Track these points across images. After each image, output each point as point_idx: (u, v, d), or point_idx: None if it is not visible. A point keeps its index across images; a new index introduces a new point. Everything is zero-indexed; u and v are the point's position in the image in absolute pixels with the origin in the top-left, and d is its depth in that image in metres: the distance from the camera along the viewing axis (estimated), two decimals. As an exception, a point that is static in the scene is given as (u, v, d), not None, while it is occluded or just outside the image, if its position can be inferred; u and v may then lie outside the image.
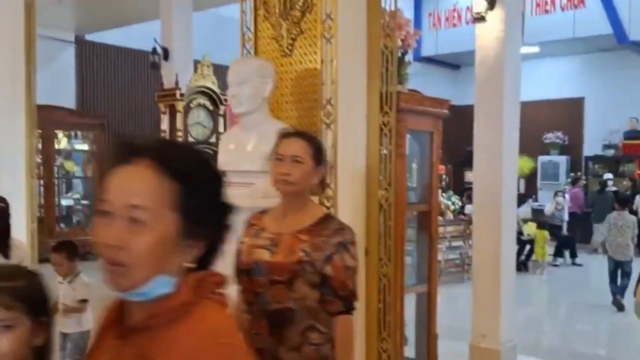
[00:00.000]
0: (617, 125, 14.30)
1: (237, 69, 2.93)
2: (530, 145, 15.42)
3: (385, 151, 3.32)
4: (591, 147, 14.86)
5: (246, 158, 2.89)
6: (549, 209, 10.79)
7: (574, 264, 10.81)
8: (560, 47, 14.55)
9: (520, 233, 9.90)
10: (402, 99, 3.41)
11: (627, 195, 11.95)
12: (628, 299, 7.09)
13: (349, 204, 3.25)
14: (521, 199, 14.04)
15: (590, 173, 14.60)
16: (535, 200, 14.62)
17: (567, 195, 11.94)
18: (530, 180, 15.49)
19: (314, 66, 3.11)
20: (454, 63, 17.02)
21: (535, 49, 14.56)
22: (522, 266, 9.86)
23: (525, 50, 14.70)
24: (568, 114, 15.31)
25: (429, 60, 16.17)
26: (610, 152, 14.47)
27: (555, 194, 11.02)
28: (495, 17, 4.71)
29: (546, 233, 10.02)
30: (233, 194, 3.05)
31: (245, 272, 2.14)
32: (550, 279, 9.88)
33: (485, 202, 4.75)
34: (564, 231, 10.81)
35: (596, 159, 14.67)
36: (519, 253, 9.89)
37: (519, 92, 4.97)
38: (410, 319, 3.78)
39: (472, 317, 4.87)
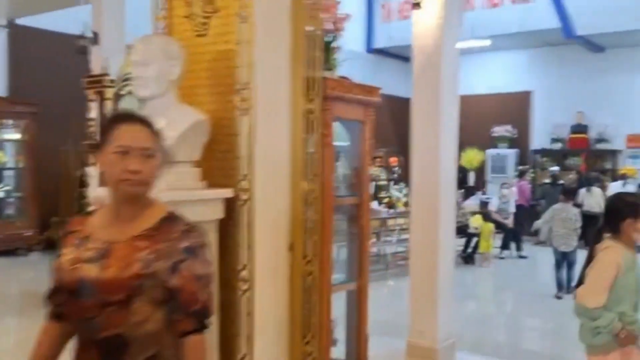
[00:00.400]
0: (564, 119, 14.50)
1: (140, 48, 2.66)
2: (480, 138, 15.52)
3: (310, 140, 3.10)
4: (539, 140, 15.04)
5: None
6: (493, 204, 10.82)
7: (520, 256, 10.87)
8: (510, 40, 14.63)
9: (466, 226, 9.89)
10: (329, 86, 3.20)
11: (573, 187, 12.11)
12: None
13: (271, 197, 3.02)
14: (470, 192, 14.14)
15: (537, 166, 14.77)
16: (484, 193, 14.72)
17: (514, 188, 12.00)
18: (479, 173, 15.58)
19: (230, 47, 2.86)
20: (406, 55, 16.91)
21: (486, 42, 14.62)
22: (469, 259, 9.84)
23: (476, 43, 14.81)
24: (517, 107, 15.44)
25: (382, 52, 16.06)
26: (558, 146, 14.66)
27: (501, 186, 11.03)
28: (434, 4, 4.54)
29: (492, 226, 10.02)
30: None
31: (68, 292, 1.72)
32: (496, 271, 9.91)
33: (422, 195, 4.59)
34: (510, 224, 10.82)
35: (543, 152, 14.85)
36: (466, 246, 9.88)
37: (457, 82, 4.82)
38: (341, 318, 3.58)
39: (409, 313, 4.71)
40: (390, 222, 9.59)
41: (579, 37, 13.30)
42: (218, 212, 2.81)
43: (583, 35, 13.21)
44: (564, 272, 7.81)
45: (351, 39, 15.46)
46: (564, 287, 7.77)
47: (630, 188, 12.18)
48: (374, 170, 13.97)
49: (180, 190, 2.65)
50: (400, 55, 16.61)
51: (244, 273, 2.84)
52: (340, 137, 3.56)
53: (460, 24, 4.84)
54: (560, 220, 7.73)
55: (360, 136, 3.49)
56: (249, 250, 2.83)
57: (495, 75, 15.62)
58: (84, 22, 7.02)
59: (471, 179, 15.72)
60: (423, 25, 4.60)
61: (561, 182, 12.72)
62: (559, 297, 7.73)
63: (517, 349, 6.03)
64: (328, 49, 3.38)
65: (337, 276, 3.52)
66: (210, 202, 2.75)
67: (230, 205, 2.85)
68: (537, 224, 8.58)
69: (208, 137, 2.84)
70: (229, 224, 2.85)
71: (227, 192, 2.81)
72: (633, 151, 13.90)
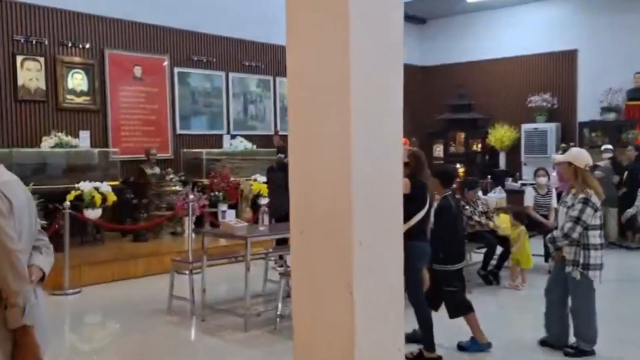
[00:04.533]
0: (619, 82, 11.60)
1: None
2: (513, 110, 12.75)
3: None
4: (587, 110, 12.05)
5: None
6: (529, 197, 7.83)
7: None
8: (546, -13, 11.74)
9: (489, 231, 7.09)
10: None
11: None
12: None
13: None
14: (500, 179, 11.24)
15: (585, 143, 11.78)
16: (519, 178, 11.85)
17: (554, 174, 9.06)
18: (512, 154, 12.67)
19: None
20: (419, 16, 14.10)
21: (515, -9, 11.68)
22: (491, 277, 7.02)
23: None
24: (557, 71, 12.61)
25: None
26: (611, 116, 11.67)
27: (536, 173, 8.05)
28: None
29: (523, 228, 7.03)
30: None
31: None
32: (532, 295, 6.81)
33: (312, 212, 1.91)
34: (552, 223, 7.80)
35: (593, 125, 11.88)
36: (486, 259, 7.07)
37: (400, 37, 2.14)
38: None
39: None
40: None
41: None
42: None
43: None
44: None
45: None
46: None
47: None
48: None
49: None
50: (411, 16, 13.80)
51: None
52: None
53: None
54: None
55: None
56: None
57: (530, 33, 12.71)
58: None
59: (502, 161, 12.83)
60: None
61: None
62: None
63: None
64: None
65: None
66: None
67: None
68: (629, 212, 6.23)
69: None
70: None
71: None
72: None
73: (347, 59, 1.88)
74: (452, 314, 4.73)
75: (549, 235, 4.78)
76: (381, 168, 1.96)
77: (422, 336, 4.54)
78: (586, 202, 4.48)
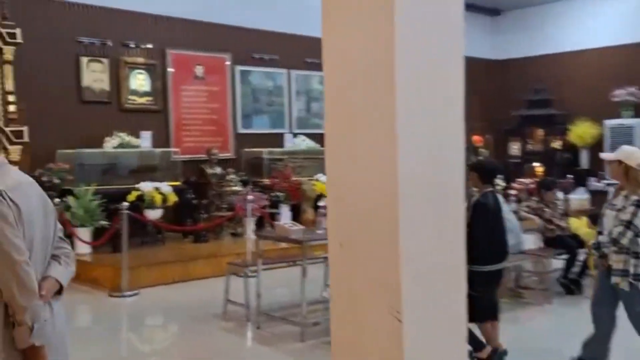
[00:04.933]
0: None
1: None
2: (595, 105, 11.81)
3: None
4: (679, 103, 11.05)
5: None
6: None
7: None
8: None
9: (570, 236, 6.46)
10: None
11: None
12: None
13: None
14: (581, 179, 10.44)
15: (678, 139, 10.78)
16: (603, 177, 10.96)
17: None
18: (594, 151, 11.76)
19: None
20: (492, 7, 13.40)
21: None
22: (574, 286, 6.38)
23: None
24: (644, 62, 11.51)
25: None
26: None
27: None
28: None
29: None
30: None
31: None
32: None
33: (352, 217, 1.55)
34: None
35: (687, 119, 10.86)
36: (568, 266, 6.44)
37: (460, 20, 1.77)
38: None
39: None
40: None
41: None
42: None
43: None
44: None
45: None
46: None
47: None
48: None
49: None
50: (485, 8, 13.12)
51: None
52: None
53: None
54: None
55: None
56: None
57: (612, 23, 11.78)
58: None
59: (584, 160, 11.95)
60: None
61: None
62: None
63: None
64: None
65: None
66: None
67: None
68: None
69: None
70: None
71: None
72: None
73: (392, 45, 1.50)
74: (470, 318, 4.30)
75: (592, 241, 4.24)
76: (435, 171, 1.57)
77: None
78: (639, 204, 3.92)
